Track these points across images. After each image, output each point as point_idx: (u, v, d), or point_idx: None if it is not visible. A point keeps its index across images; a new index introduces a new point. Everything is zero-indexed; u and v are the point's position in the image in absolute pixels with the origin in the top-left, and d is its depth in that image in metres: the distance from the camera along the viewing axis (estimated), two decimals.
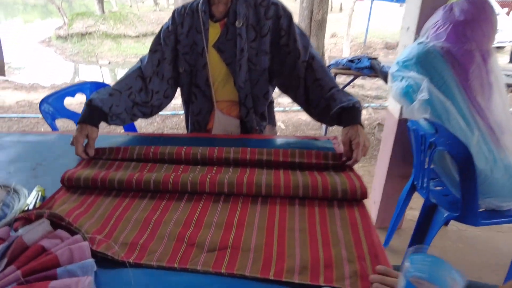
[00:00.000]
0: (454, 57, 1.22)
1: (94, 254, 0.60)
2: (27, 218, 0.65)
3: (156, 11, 15.96)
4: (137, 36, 10.89)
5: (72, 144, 0.92)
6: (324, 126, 2.85)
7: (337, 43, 8.93)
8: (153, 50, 1.10)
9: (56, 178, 0.82)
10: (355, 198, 0.76)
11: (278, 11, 1.03)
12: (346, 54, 7.11)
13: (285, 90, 1.12)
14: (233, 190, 0.78)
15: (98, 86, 1.53)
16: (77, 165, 0.91)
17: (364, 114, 3.59)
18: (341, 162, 0.87)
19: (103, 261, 0.60)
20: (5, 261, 0.55)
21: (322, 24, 4.04)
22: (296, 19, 1.10)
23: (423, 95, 1.15)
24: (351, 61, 2.63)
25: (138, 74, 1.08)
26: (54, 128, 1.31)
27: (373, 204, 1.88)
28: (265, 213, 0.73)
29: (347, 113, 0.93)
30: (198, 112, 1.16)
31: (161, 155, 0.92)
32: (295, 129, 3.17)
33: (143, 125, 3.29)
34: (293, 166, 0.89)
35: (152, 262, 0.60)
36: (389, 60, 2.87)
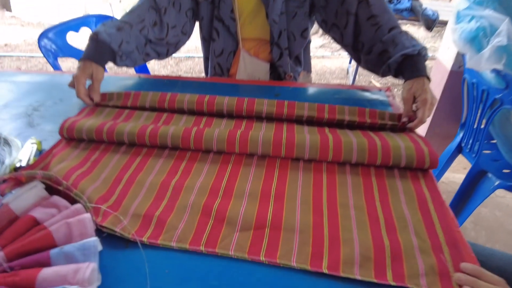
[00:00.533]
0: None
1: (98, 230, 0.48)
2: (16, 179, 0.52)
3: None
4: None
5: (71, 86, 0.77)
6: (351, 76, 2.60)
7: None
8: None
9: (55, 127, 0.68)
10: (422, 167, 0.60)
11: None
12: None
13: (328, 29, 0.90)
14: (269, 151, 0.62)
15: (105, 19, 1.32)
16: (78, 112, 0.77)
17: None
18: (401, 124, 0.70)
19: (109, 238, 0.47)
20: None
21: None
22: None
23: (499, 40, 0.92)
24: (390, 1, 2.30)
25: (151, 4, 0.88)
26: (56, 68, 1.15)
27: None
28: (309, 183, 0.58)
29: (411, 62, 0.73)
30: (220, 52, 0.97)
31: (179, 103, 0.76)
32: (318, 78, 2.92)
33: (156, 68, 3.09)
34: (341, 125, 0.72)
35: (172, 243, 0.48)
36: (436, 4, 2.51)
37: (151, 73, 1.44)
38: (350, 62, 2.82)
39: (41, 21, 4.71)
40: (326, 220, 0.51)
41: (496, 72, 0.99)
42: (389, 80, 2.66)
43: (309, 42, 1.03)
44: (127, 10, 0.90)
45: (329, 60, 3.06)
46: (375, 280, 0.43)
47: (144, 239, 0.48)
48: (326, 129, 0.69)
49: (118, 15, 1.04)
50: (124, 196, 0.55)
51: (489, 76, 1.04)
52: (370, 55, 0.82)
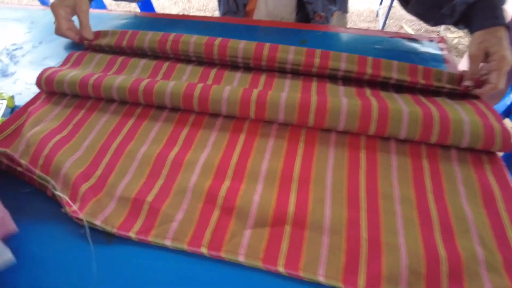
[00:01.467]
0: None
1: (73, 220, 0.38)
2: None
3: None
4: None
5: (57, 31, 0.64)
6: (381, 19, 2.31)
7: None
8: None
9: (34, 78, 0.56)
10: (489, 149, 0.47)
11: None
12: None
13: None
14: (293, 118, 0.49)
15: None
16: (64, 60, 0.63)
17: None
18: (463, 89, 0.54)
19: (84, 231, 0.38)
20: None
21: None
22: None
23: None
24: None
25: None
26: (44, 2, 0.98)
27: None
28: (342, 163, 0.46)
29: (484, 5, 0.56)
30: None
31: (183, 45, 0.61)
32: None
33: (167, 5, 2.83)
34: (385, 86, 0.57)
35: (166, 241, 0.38)
36: None
37: (160, 11, 1.26)
38: (380, 4, 2.50)
39: None
40: (365, 217, 0.40)
41: None
42: (423, 26, 2.36)
43: None
44: None
45: (356, 2, 2.72)
46: None
47: (132, 234, 0.38)
48: (367, 91, 0.55)
49: None
50: (111, 172, 0.44)
51: None
52: None
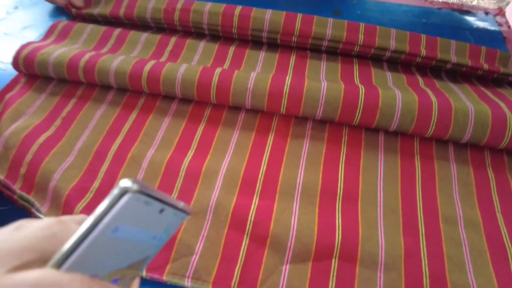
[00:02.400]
0: None
1: None
2: None
3: None
4: None
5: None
6: None
7: None
8: None
9: (10, 55, 0.45)
10: None
11: None
12: None
13: None
14: (334, 115, 0.40)
15: None
16: (47, 31, 0.52)
17: None
18: None
19: None
20: None
21: None
22: None
23: None
24: None
25: None
26: None
27: None
28: (395, 174, 0.38)
29: None
30: None
31: (196, 15, 0.49)
32: None
33: None
34: (439, 71, 0.48)
35: (185, 280, 0.30)
36: None
37: None
38: None
39: None
40: (424, 246, 0.33)
41: None
42: None
43: None
44: None
45: None
46: None
47: (143, 273, 0.30)
48: (420, 80, 0.45)
49: None
50: (111, 184, 0.36)
51: None
52: None
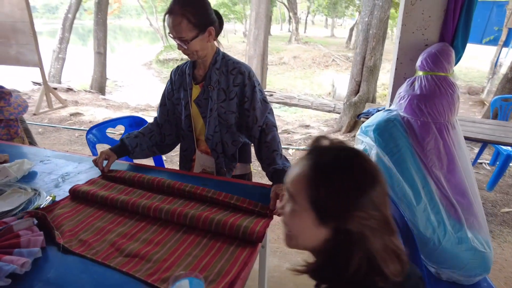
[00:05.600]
0: (412, 127, 1.32)
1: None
2: (30, 213, 1.03)
3: (244, 42, 17.36)
4: None
5: (94, 162, 1.35)
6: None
7: None
8: (162, 104, 1.49)
9: (66, 190, 1.22)
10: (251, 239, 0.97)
11: (244, 80, 1.30)
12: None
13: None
14: (174, 217, 1.05)
15: (134, 119, 1.97)
16: (85, 182, 1.30)
17: None
18: (268, 211, 1.09)
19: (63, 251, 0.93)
20: None
21: (373, 70, 4.17)
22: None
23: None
24: (379, 111, 2.70)
25: (156, 122, 1.51)
26: (94, 153, 1.77)
27: None
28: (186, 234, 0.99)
29: (277, 174, 1.16)
30: (185, 149, 1.50)
31: (144, 181, 1.26)
32: None
33: (169, 155, 3.66)
34: (228, 205, 1.13)
35: (87, 254, 0.91)
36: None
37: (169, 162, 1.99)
38: None
39: (123, 103, 5.97)
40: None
41: None
42: None
43: (246, 144, 1.49)
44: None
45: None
46: None
47: (72, 248, 0.93)
48: (202, 209, 1.11)
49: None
50: (80, 231, 1.02)
51: None
52: (262, 163, 1.27)
